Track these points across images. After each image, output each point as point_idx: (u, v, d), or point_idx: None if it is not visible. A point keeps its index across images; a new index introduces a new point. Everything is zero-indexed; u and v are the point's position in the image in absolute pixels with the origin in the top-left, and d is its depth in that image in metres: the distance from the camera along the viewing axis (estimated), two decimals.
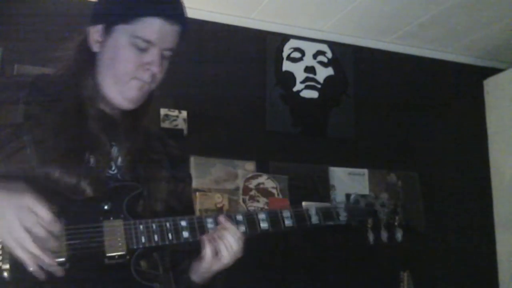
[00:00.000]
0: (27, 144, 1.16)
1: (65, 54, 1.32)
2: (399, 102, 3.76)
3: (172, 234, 1.19)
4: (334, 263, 3.31)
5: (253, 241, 3.24)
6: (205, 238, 1.22)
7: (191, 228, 1.22)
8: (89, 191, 1.17)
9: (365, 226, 1.42)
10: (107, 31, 1.28)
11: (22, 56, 2.76)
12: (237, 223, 1.27)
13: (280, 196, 3.21)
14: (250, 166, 3.26)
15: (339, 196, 3.37)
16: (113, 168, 1.26)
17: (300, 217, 1.37)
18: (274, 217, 1.32)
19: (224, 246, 1.23)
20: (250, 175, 3.19)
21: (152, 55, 1.27)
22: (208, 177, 3.13)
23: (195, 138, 3.13)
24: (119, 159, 1.28)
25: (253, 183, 3.15)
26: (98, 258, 1.12)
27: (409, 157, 3.57)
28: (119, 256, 1.14)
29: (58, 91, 1.26)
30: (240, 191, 3.14)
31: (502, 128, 3.82)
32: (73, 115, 1.23)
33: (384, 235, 1.45)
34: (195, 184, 3.06)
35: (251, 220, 1.29)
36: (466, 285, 3.57)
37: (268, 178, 3.20)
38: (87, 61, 1.30)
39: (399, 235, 1.45)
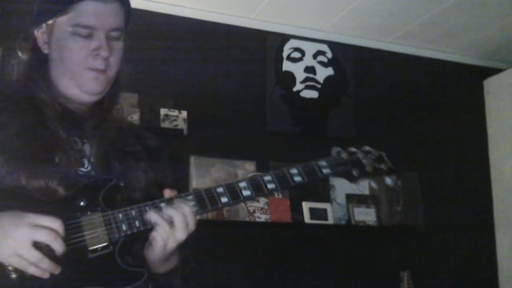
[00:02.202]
0: None
1: (19, 60, 1.31)
2: (399, 102, 3.76)
3: None
4: (334, 263, 3.31)
5: (252, 241, 3.24)
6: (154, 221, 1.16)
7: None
8: (61, 191, 1.15)
9: (351, 175, 1.35)
10: (50, 29, 1.26)
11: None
12: (218, 195, 1.22)
13: (280, 196, 3.21)
14: (250, 166, 3.26)
15: (339, 196, 3.38)
16: (86, 165, 1.24)
17: (283, 179, 1.28)
18: (256, 184, 1.26)
19: (180, 220, 1.15)
20: (250, 175, 3.17)
21: (98, 39, 1.23)
22: (208, 177, 3.13)
23: (195, 138, 3.13)
24: (92, 157, 1.25)
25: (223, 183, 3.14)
26: (81, 254, 1.11)
27: (409, 157, 3.57)
28: (102, 247, 1.12)
29: (17, 96, 1.25)
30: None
31: (502, 128, 3.82)
32: (33, 118, 1.21)
33: (373, 182, 1.40)
34: (195, 184, 3.06)
35: (232, 189, 1.24)
36: (466, 285, 3.57)
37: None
38: (39, 64, 1.28)
39: (388, 179, 1.39)
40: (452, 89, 3.95)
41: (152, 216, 1.16)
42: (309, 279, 3.23)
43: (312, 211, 3.22)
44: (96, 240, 1.12)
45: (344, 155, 1.37)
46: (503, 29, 3.58)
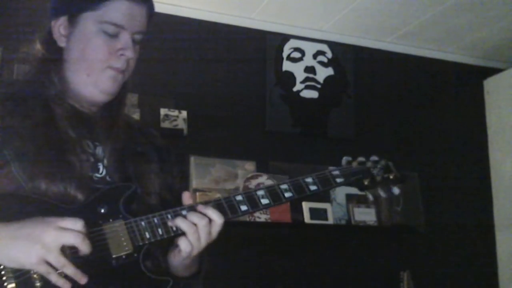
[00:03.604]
0: (10, 159, 1.11)
1: (31, 53, 1.28)
2: (399, 102, 3.76)
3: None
4: (334, 263, 3.31)
5: (252, 241, 3.24)
6: (182, 226, 1.15)
7: None
8: (80, 196, 1.13)
9: (362, 184, 1.40)
10: (72, 22, 1.23)
11: (22, 56, 2.75)
12: (237, 203, 1.24)
13: None
14: (250, 166, 3.26)
15: (339, 196, 3.37)
16: (101, 170, 1.22)
17: (299, 188, 1.31)
18: (273, 192, 1.27)
19: (202, 232, 1.16)
20: (250, 175, 3.19)
21: (124, 39, 1.22)
22: (208, 177, 3.13)
23: (195, 138, 3.13)
24: (105, 160, 1.23)
25: (253, 183, 3.15)
26: (106, 262, 1.09)
27: (409, 157, 3.57)
28: (127, 255, 1.11)
29: (28, 96, 1.21)
30: (240, 191, 3.13)
31: (502, 128, 3.82)
32: (45, 119, 1.18)
33: (381, 191, 1.44)
34: (195, 184, 3.06)
35: (251, 198, 1.25)
36: (466, 285, 3.57)
37: (268, 178, 3.20)
38: (54, 56, 1.25)
39: (395, 189, 1.45)
40: (452, 89, 3.95)
41: (180, 223, 1.15)
42: (309, 279, 3.23)
43: (312, 211, 3.22)
44: (120, 248, 1.11)
45: (354, 165, 1.40)
46: (503, 29, 3.58)
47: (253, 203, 1.25)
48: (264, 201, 1.26)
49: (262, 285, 3.11)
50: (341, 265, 3.32)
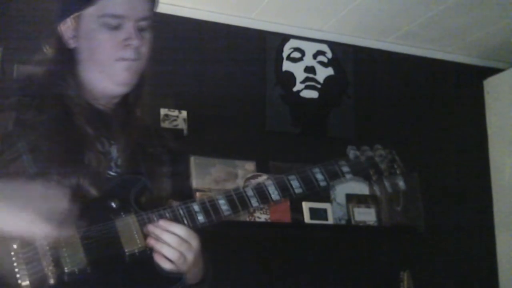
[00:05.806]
0: (23, 151, 1.11)
1: (45, 57, 1.28)
2: (399, 102, 3.76)
3: (187, 219, 1.16)
4: (334, 263, 3.31)
5: (252, 241, 3.24)
6: (149, 241, 1.12)
7: (204, 211, 1.18)
8: (92, 191, 1.13)
9: (370, 177, 1.42)
10: (77, 22, 1.23)
11: (22, 56, 2.75)
12: (248, 198, 1.25)
13: None
14: (250, 166, 3.26)
15: (339, 196, 3.37)
16: (114, 168, 1.22)
17: (308, 182, 1.32)
18: (283, 186, 1.30)
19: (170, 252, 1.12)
20: (250, 175, 3.18)
21: (127, 29, 1.21)
22: (208, 177, 3.13)
23: (195, 138, 3.13)
24: (119, 159, 1.23)
25: (253, 183, 3.14)
26: (119, 257, 1.09)
27: (409, 157, 3.55)
28: (140, 251, 1.10)
29: (46, 92, 1.21)
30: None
31: (502, 128, 3.82)
32: (63, 116, 1.18)
33: (388, 185, 1.45)
34: (195, 184, 3.06)
35: (261, 191, 1.27)
36: (466, 285, 3.57)
37: (268, 178, 3.20)
38: (66, 59, 1.25)
39: (401, 183, 1.45)
40: (452, 89, 3.95)
41: (150, 241, 1.13)
42: (309, 279, 3.23)
43: (312, 211, 3.22)
44: (133, 243, 1.10)
45: (362, 158, 1.42)
46: (503, 29, 3.57)
47: (263, 196, 1.27)
48: (275, 197, 1.28)
49: (262, 285, 3.10)
50: (341, 265, 3.31)
